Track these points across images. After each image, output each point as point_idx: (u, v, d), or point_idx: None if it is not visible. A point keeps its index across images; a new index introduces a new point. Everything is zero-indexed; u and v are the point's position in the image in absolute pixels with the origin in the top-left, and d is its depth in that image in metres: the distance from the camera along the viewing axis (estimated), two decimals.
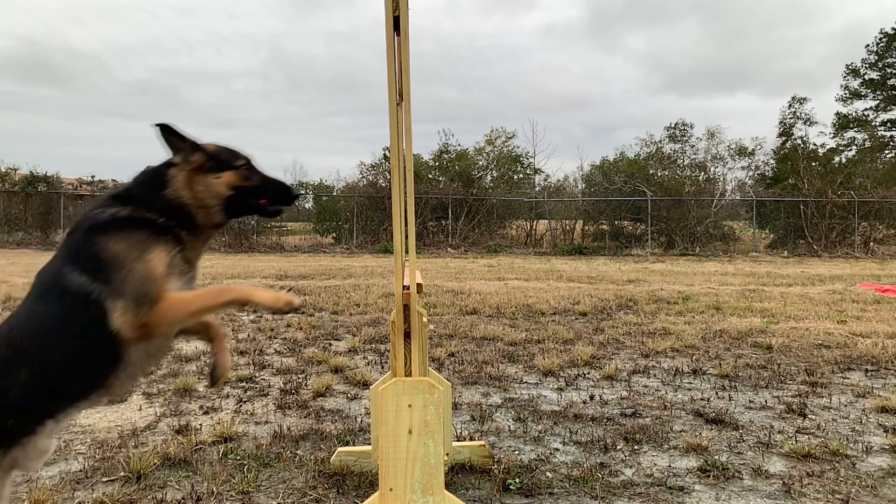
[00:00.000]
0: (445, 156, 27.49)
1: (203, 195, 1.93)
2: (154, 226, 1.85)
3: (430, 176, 26.61)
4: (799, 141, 28.12)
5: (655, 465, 3.03)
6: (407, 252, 2.23)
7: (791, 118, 28.54)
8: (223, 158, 1.98)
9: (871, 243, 23.86)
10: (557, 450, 3.23)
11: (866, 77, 39.88)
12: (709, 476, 2.89)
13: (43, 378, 1.79)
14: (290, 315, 6.04)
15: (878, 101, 39.56)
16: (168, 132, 1.92)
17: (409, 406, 1.99)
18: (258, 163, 2.03)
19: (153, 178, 1.93)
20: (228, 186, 1.96)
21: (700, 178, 27.58)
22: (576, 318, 7.45)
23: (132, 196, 1.88)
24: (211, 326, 2.02)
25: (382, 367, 4.96)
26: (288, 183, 2.09)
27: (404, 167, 2.15)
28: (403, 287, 2.16)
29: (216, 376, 2.04)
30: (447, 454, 2.94)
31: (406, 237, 2.17)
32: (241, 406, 3.96)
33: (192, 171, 1.92)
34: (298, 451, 3.17)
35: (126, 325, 1.76)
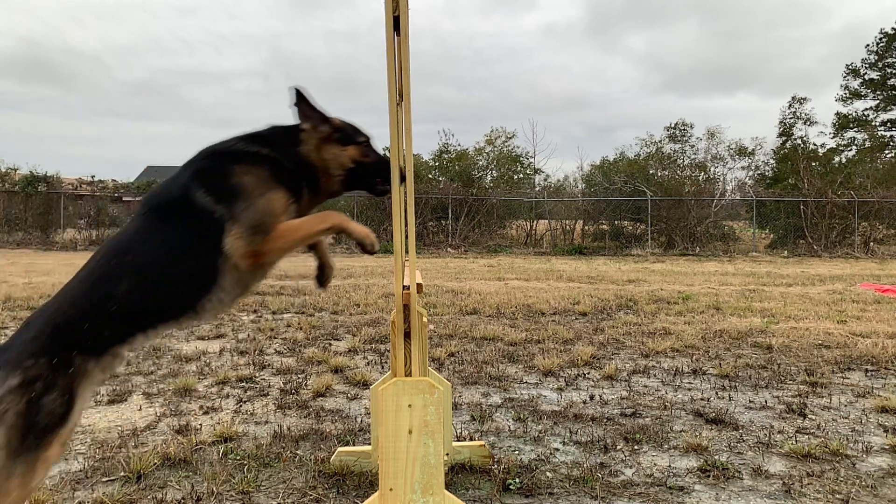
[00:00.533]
0: (445, 156, 27.49)
1: (330, 163, 2.08)
2: (285, 171, 1.97)
3: (430, 176, 26.61)
4: (799, 141, 28.12)
5: (655, 465, 3.03)
6: (407, 252, 2.23)
7: (791, 118, 28.55)
8: (348, 132, 2.13)
9: (871, 243, 23.85)
10: (557, 450, 3.23)
11: (866, 77, 39.89)
12: (709, 476, 2.89)
13: (143, 291, 1.87)
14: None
15: (878, 101, 39.57)
16: (301, 99, 2.05)
17: (409, 406, 1.99)
18: (375, 143, 2.16)
19: (288, 133, 2.05)
20: (351, 159, 2.11)
21: (700, 178, 27.58)
22: (576, 318, 7.45)
23: (269, 140, 2.00)
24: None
25: (382, 367, 4.97)
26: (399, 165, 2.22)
27: (404, 167, 2.15)
28: (403, 287, 2.16)
29: (325, 278, 2.20)
30: (447, 454, 2.94)
31: (406, 237, 2.17)
32: (241, 406, 3.96)
33: (321, 140, 2.06)
34: (298, 451, 3.17)
35: (238, 250, 1.87)
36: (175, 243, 1.90)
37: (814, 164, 26.61)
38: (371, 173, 2.15)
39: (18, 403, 1.71)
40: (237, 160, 1.95)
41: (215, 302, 1.95)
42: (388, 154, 2.13)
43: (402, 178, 2.10)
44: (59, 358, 1.77)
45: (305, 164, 2.04)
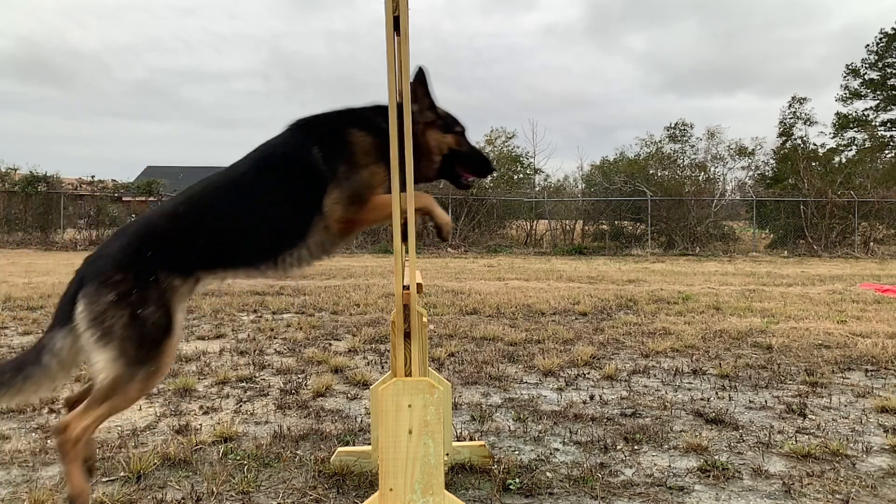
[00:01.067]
0: None
1: (431, 147, 2.17)
2: (388, 146, 2.06)
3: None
4: (799, 141, 28.13)
5: (655, 465, 3.03)
6: (407, 252, 2.23)
7: (791, 118, 28.56)
8: (449, 121, 2.22)
9: (871, 243, 23.86)
10: (557, 450, 3.23)
11: (866, 77, 39.90)
12: (709, 476, 2.89)
13: (236, 230, 1.99)
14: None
15: (878, 101, 39.58)
16: (420, 81, 2.13)
17: (409, 406, 1.99)
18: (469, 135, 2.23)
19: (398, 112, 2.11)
20: (448, 147, 2.19)
21: (700, 178, 27.59)
22: (576, 318, 7.45)
23: (383, 115, 2.08)
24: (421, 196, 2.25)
25: (382, 367, 4.96)
26: (489, 158, 2.33)
27: (404, 167, 2.15)
28: (403, 287, 2.16)
29: (445, 233, 2.27)
30: (447, 454, 2.94)
31: (406, 237, 2.17)
32: (241, 406, 3.96)
33: (425, 125, 2.15)
34: (298, 451, 3.17)
35: (334, 213, 1.99)
36: (277, 192, 2.00)
37: (814, 164, 26.62)
38: (462, 162, 2.24)
39: (123, 317, 1.85)
40: (355, 125, 2.06)
41: (296, 258, 2.06)
42: (474, 147, 2.23)
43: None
44: (148, 273, 1.90)
45: (416, 146, 2.10)
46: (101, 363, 1.87)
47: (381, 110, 2.13)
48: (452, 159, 2.23)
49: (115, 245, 1.98)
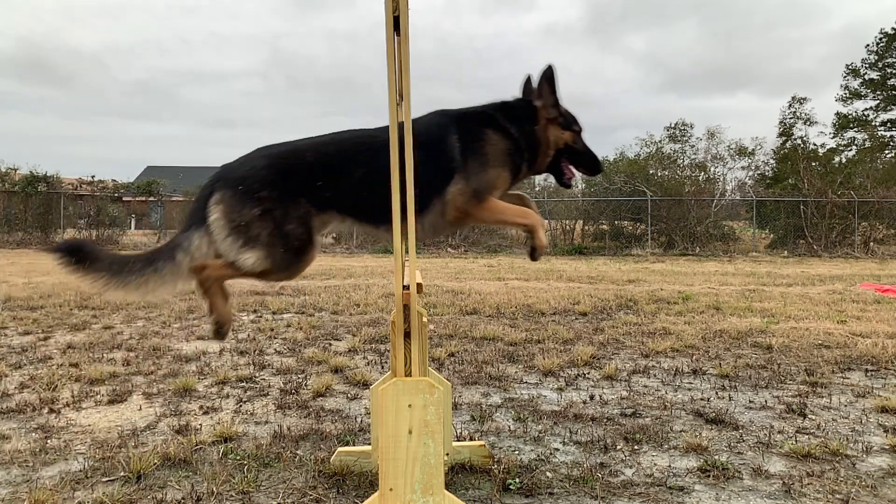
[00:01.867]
0: None
1: (550, 143, 2.26)
2: (518, 152, 2.22)
3: None
4: (799, 141, 28.11)
5: (655, 465, 3.03)
6: (407, 252, 2.23)
7: (791, 118, 28.53)
8: (569, 119, 2.32)
9: (871, 243, 23.86)
10: (557, 450, 3.23)
11: (866, 77, 39.91)
12: (709, 476, 2.89)
13: (370, 186, 2.14)
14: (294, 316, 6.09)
15: (878, 101, 39.59)
16: (547, 79, 2.23)
17: (409, 406, 1.99)
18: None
19: (528, 110, 2.25)
20: (564, 142, 2.30)
21: (700, 178, 27.58)
22: (576, 318, 7.45)
23: (517, 115, 2.24)
24: (523, 199, 2.40)
25: (382, 367, 4.96)
26: (599, 159, 2.42)
27: (404, 167, 2.15)
28: (403, 287, 2.16)
29: (536, 256, 2.36)
30: (447, 454, 2.94)
31: (406, 237, 2.17)
32: (241, 406, 3.96)
33: (548, 120, 2.24)
34: (298, 451, 3.17)
35: (454, 201, 2.15)
36: (422, 169, 2.11)
37: (814, 164, 26.61)
38: (575, 160, 2.34)
39: (268, 228, 2.02)
40: (492, 127, 2.20)
41: (420, 230, 2.22)
42: (588, 147, 2.33)
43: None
44: (292, 195, 2.07)
45: (534, 142, 2.25)
46: (248, 260, 2.07)
47: (509, 111, 2.26)
48: (564, 155, 2.34)
49: (261, 163, 2.12)
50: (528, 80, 2.33)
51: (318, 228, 2.18)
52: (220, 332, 2.25)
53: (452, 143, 2.15)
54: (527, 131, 2.25)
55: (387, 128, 2.15)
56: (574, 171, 2.39)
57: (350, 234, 24.30)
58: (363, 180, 2.15)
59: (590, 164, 2.39)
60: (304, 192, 2.11)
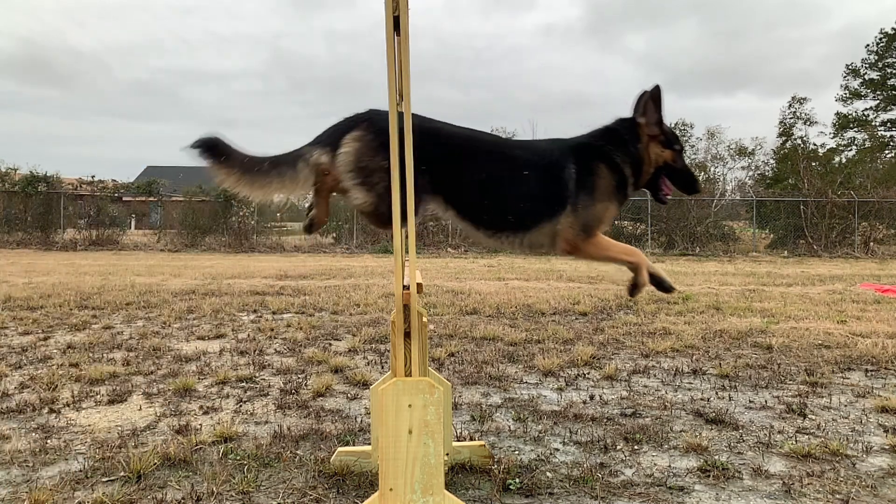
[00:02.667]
0: None
1: (650, 158, 2.31)
2: (623, 182, 2.27)
3: None
4: (799, 141, 28.12)
5: (655, 465, 3.03)
6: (407, 252, 2.23)
7: (791, 118, 28.55)
8: (671, 138, 2.35)
9: (871, 243, 23.86)
10: (557, 450, 3.23)
11: (866, 77, 39.93)
12: (709, 476, 2.89)
13: (484, 185, 2.24)
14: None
15: (878, 101, 39.61)
16: (654, 97, 2.29)
17: (409, 406, 1.99)
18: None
19: (632, 129, 2.30)
20: (664, 160, 2.34)
21: (700, 178, 27.57)
22: (576, 318, 7.45)
23: (621, 140, 2.28)
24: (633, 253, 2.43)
25: (382, 367, 4.96)
26: (698, 178, 2.47)
27: (404, 167, 2.14)
28: (403, 287, 2.16)
29: (634, 293, 2.39)
30: (447, 454, 2.94)
31: (406, 237, 2.17)
32: (241, 406, 3.96)
33: (650, 138, 2.29)
34: (298, 451, 3.17)
35: (563, 233, 2.22)
36: (528, 184, 2.23)
37: (814, 164, 26.62)
38: (672, 178, 2.39)
39: (385, 182, 2.08)
40: (601, 159, 2.27)
41: (508, 241, 2.32)
42: (687, 165, 2.37)
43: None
44: (416, 166, 2.12)
45: (637, 161, 2.30)
46: (357, 199, 2.19)
47: (615, 138, 2.32)
48: (663, 172, 2.39)
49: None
50: (640, 97, 2.39)
51: (423, 204, 2.25)
52: (311, 228, 2.38)
53: (569, 174, 2.22)
54: (631, 153, 2.31)
55: (527, 144, 2.28)
56: (670, 187, 2.45)
57: (349, 233, 24.31)
58: (482, 184, 2.23)
59: (688, 182, 2.44)
60: (429, 170, 2.18)
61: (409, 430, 1.98)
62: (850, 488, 2.76)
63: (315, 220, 2.41)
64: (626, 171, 2.31)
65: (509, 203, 2.25)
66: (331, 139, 2.22)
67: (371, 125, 2.21)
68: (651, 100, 2.30)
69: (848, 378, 4.69)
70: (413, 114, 2.20)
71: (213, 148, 2.22)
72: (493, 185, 2.21)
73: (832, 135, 38.10)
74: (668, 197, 2.42)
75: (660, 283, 2.40)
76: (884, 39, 38.95)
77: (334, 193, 2.33)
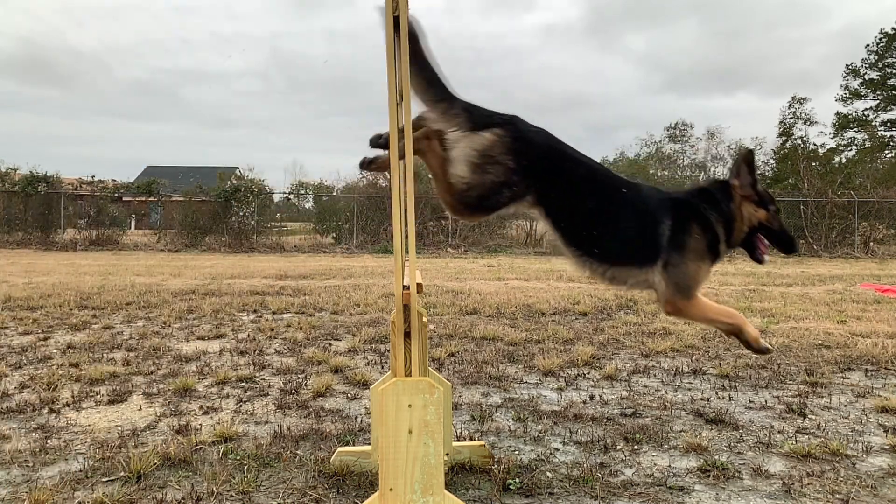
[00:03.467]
0: None
1: (744, 219, 2.37)
2: (716, 242, 2.34)
3: (430, 176, 26.56)
4: (799, 141, 28.13)
5: (655, 465, 3.03)
6: (407, 252, 2.23)
7: (791, 118, 28.57)
8: (765, 198, 2.42)
9: (871, 243, 23.85)
10: (557, 450, 3.23)
11: (866, 77, 39.94)
12: (709, 476, 2.89)
13: (591, 216, 2.30)
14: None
15: (878, 101, 39.62)
16: (748, 161, 2.38)
17: (409, 406, 1.99)
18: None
19: (725, 190, 2.37)
20: (758, 220, 2.40)
21: (700, 178, 27.57)
22: (576, 318, 7.45)
23: (715, 200, 2.36)
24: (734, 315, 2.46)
25: (382, 367, 4.97)
26: (794, 237, 2.52)
27: (404, 167, 2.15)
28: (403, 287, 2.16)
29: (756, 352, 2.47)
30: (447, 454, 2.94)
31: (406, 237, 2.17)
32: (241, 406, 3.96)
33: (743, 198, 2.36)
34: (298, 451, 3.17)
35: (664, 294, 2.27)
36: (629, 231, 2.29)
37: (814, 164, 26.61)
38: (769, 238, 2.45)
39: (492, 175, 2.16)
40: (697, 219, 2.33)
41: (609, 275, 2.36)
42: (785, 226, 2.43)
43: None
44: (527, 173, 2.21)
45: (729, 220, 2.36)
46: (454, 176, 2.21)
47: (710, 198, 2.37)
48: (757, 232, 2.44)
49: (539, 138, 2.26)
50: (735, 161, 2.48)
51: (516, 204, 2.26)
52: (369, 165, 2.41)
53: (664, 228, 2.27)
54: (724, 212, 2.37)
55: (633, 185, 2.34)
56: (767, 245, 2.49)
57: (349, 233, 24.31)
58: (585, 210, 2.28)
59: (784, 243, 2.47)
60: (540, 180, 2.21)
61: (409, 430, 1.98)
62: (850, 488, 2.76)
63: (379, 164, 2.41)
64: (719, 230, 2.36)
65: (605, 236, 2.30)
66: (469, 122, 2.23)
67: (510, 127, 2.23)
68: (745, 163, 2.39)
69: (848, 378, 4.69)
70: (540, 128, 2.29)
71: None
72: (595, 215, 2.27)
73: (832, 135, 38.14)
74: (766, 256, 2.46)
75: (753, 345, 2.49)
76: (884, 39, 38.96)
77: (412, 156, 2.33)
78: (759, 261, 2.46)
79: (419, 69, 2.20)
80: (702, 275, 2.32)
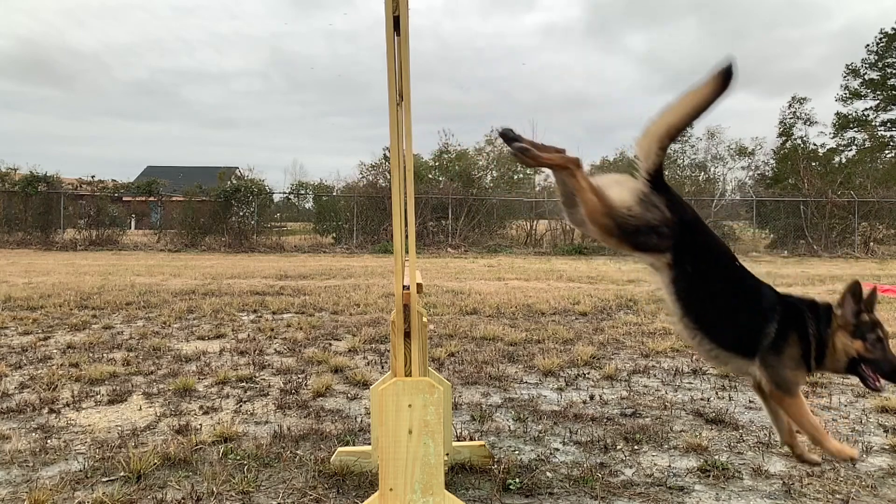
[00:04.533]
0: (445, 156, 27.49)
1: (837, 348, 2.42)
2: (807, 356, 2.40)
3: (430, 176, 26.61)
4: (799, 141, 28.13)
5: (655, 465, 3.03)
6: (407, 252, 2.23)
7: (791, 118, 28.56)
8: (864, 329, 2.44)
9: (871, 243, 23.85)
10: (557, 450, 3.23)
11: (866, 77, 39.90)
12: (709, 476, 2.89)
13: (706, 292, 2.39)
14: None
15: (878, 101, 39.59)
16: (853, 293, 2.43)
17: (409, 406, 1.99)
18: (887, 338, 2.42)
19: (827, 313, 2.45)
20: (856, 351, 2.42)
21: (700, 178, 27.59)
22: (576, 318, 7.45)
23: (818, 317, 2.43)
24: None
25: (382, 367, 4.97)
26: None
27: (404, 167, 2.15)
28: (403, 287, 2.16)
29: (802, 461, 2.56)
30: (447, 454, 2.94)
31: (406, 237, 2.17)
32: (241, 406, 3.96)
33: (839, 325, 2.42)
34: (298, 451, 3.17)
35: (768, 386, 2.38)
36: (740, 319, 2.39)
37: (814, 164, 26.62)
38: (870, 365, 2.44)
39: (645, 219, 2.26)
40: (798, 329, 2.41)
41: (714, 354, 2.43)
42: (889, 354, 2.43)
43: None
44: (677, 229, 2.32)
45: (822, 344, 2.42)
46: (619, 198, 2.27)
47: (815, 311, 2.44)
48: (862, 361, 2.44)
49: (686, 215, 2.34)
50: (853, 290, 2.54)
51: (654, 259, 2.35)
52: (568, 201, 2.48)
53: (772, 328, 2.36)
54: (819, 334, 2.43)
55: (756, 280, 2.43)
56: (877, 375, 2.46)
57: (349, 233, 24.31)
58: (714, 290, 2.39)
59: (885, 373, 2.44)
60: (684, 245, 2.31)
61: (409, 430, 1.98)
62: (850, 488, 2.76)
63: (532, 156, 2.48)
64: (811, 347, 2.42)
65: (722, 320, 2.40)
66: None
67: (674, 193, 2.36)
68: (850, 293, 2.45)
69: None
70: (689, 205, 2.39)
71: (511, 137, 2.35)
72: (719, 298, 2.37)
73: (832, 135, 38.09)
74: (879, 384, 2.44)
75: (812, 462, 2.55)
76: (884, 39, 38.93)
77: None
78: (874, 388, 2.48)
79: None
80: (799, 378, 2.43)
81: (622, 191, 2.27)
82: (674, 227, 2.27)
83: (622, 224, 2.26)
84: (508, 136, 2.31)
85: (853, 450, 2.45)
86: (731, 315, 2.41)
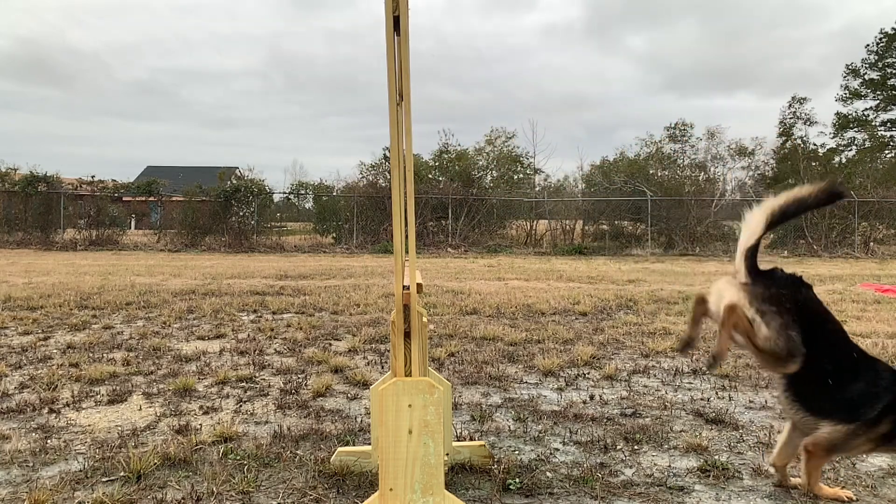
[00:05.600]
0: (445, 156, 27.47)
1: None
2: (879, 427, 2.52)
3: (430, 176, 26.60)
4: (799, 141, 28.11)
5: (655, 465, 3.03)
6: (407, 252, 2.23)
7: (791, 118, 28.54)
8: None
9: (871, 243, 23.84)
10: (557, 450, 3.23)
11: (866, 77, 39.89)
12: (709, 476, 2.89)
13: (824, 372, 2.57)
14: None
15: (878, 101, 39.57)
16: None
17: (409, 406, 1.99)
18: None
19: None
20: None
21: (700, 178, 27.58)
22: (576, 318, 7.45)
23: (888, 389, 2.54)
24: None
25: (382, 367, 4.96)
26: None
27: (404, 167, 2.15)
28: (403, 287, 2.16)
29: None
30: (447, 454, 2.94)
31: (406, 237, 2.17)
32: (241, 406, 3.96)
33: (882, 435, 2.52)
34: (298, 451, 3.17)
35: (817, 434, 2.53)
36: (853, 398, 2.51)
37: (814, 164, 26.61)
38: None
39: (777, 319, 2.55)
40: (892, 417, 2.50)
41: (793, 413, 2.65)
42: None
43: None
44: (794, 309, 2.59)
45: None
46: (763, 334, 2.55)
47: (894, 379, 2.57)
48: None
49: (808, 299, 2.64)
50: None
51: (787, 330, 2.49)
52: (685, 348, 3.00)
53: (873, 411, 2.47)
54: (887, 406, 2.52)
55: (877, 364, 2.55)
56: None
57: (349, 233, 24.32)
58: (824, 370, 2.52)
59: None
60: (801, 322, 2.50)
61: (409, 430, 1.98)
62: (850, 488, 2.76)
63: (690, 343, 2.90)
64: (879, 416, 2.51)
65: (829, 396, 2.51)
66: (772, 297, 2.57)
67: (797, 289, 2.61)
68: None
69: None
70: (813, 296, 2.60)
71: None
72: (825, 377, 2.51)
73: (832, 135, 38.09)
74: None
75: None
76: (884, 39, 38.92)
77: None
78: None
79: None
80: (851, 451, 2.60)
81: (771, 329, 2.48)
82: (799, 326, 2.48)
83: (774, 352, 2.50)
84: (712, 365, 2.59)
85: (846, 491, 2.64)
86: (839, 392, 2.52)
